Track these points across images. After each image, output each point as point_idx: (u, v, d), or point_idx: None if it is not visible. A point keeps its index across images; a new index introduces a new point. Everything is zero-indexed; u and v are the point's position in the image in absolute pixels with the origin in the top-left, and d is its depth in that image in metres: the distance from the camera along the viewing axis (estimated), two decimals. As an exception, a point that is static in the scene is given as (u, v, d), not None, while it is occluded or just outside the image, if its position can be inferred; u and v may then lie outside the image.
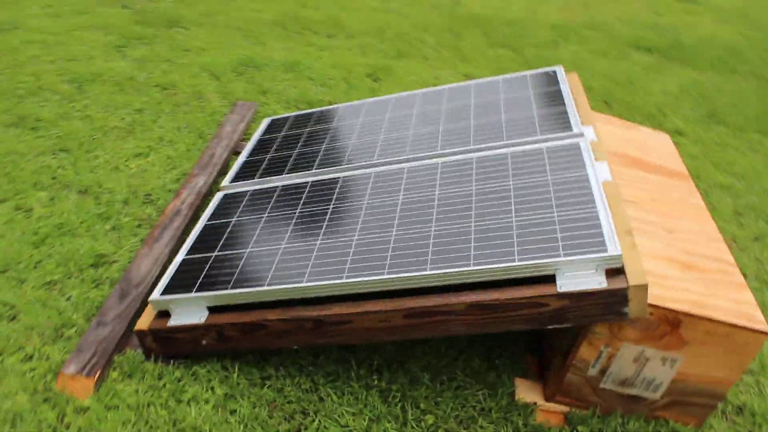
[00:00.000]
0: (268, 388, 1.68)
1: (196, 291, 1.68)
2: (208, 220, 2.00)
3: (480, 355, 1.84)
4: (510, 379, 1.77)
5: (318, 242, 1.72)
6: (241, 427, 1.56)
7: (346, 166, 2.07)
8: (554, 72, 2.31)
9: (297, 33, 3.98)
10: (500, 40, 4.35)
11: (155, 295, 1.71)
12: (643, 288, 1.39)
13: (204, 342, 1.68)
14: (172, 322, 1.69)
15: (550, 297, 1.45)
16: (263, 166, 2.24)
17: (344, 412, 1.63)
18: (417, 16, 4.59)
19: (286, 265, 1.67)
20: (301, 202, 1.93)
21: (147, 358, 1.72)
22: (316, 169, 2.10)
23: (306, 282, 1.58)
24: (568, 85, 2.23)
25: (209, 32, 3.75)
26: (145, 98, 2.87)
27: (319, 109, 2.58)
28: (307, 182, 2.03)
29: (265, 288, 1.60)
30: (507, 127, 2.03)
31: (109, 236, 2.11)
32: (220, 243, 1.85)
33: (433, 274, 1.49)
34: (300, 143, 2.33)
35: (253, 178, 2.17)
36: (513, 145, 1.95)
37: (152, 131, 2.64)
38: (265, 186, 2.09)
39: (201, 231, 1.95)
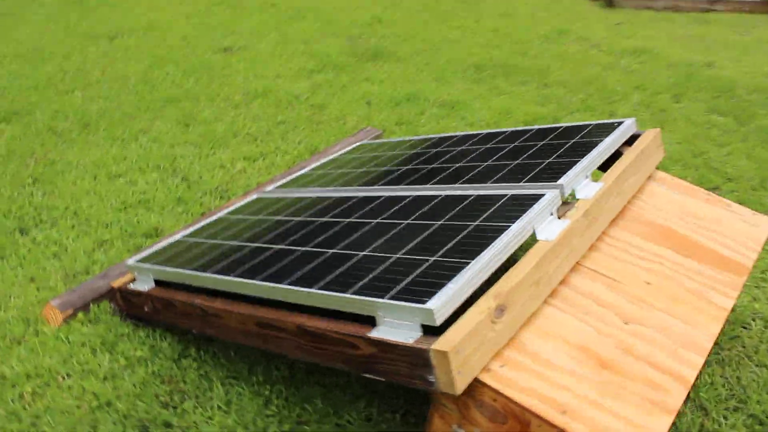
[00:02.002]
0: (176, 365, 1.79)
1: (151, 263, 1.88)
2: (226, 213, 2.19)
3: (389, 408, 1.67)
4: (400, 439, 1.58)
5: (255, 244, 1.78)
6: (130, 386, 1.70)
7: (347, 188, 2.07)
8: (619, 124, 1.95)
9: (490, 77, 3.97)
10: (729, 107, 3.69)
11: (130, 260, 1.96)
12: (444, 355, 1.15)
13: (146, 309, 1.88)
14: (131, 285, 1.92)
15: (361, 339, 1.29)
16: (310, 179, 2.35)
17: (217, 405, 1.65)
18: (643, 75, 4.16)
19: (218, 257, 1.77)
20: (290, 212, 2.00)
21: (115, 313, 1.98)
22: (331, 186, 2.15)
23: (205, 273, 1.66)
24: (621, 138, 1.88)
25: (402, 68, 3.99)
26: (292, 114, 3.22)
27: (400, 138, 2.59)
28: (311, 197, 2.09)
29: (176, 270, 1.73)
30: (505, 172, 1.81)
31: (175, 216, 2.45)
32: (210, 232, 2.03)
33: (278, 287, 1.45)
34: (353, 165, 2.38)
35: (292, 188, 2.30)
36: (489, 188, 1.73)
37: (275, 141, 2.96)
38: (288, 195, 2.21)
39: (210, 220, 2.15)
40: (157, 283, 1.88)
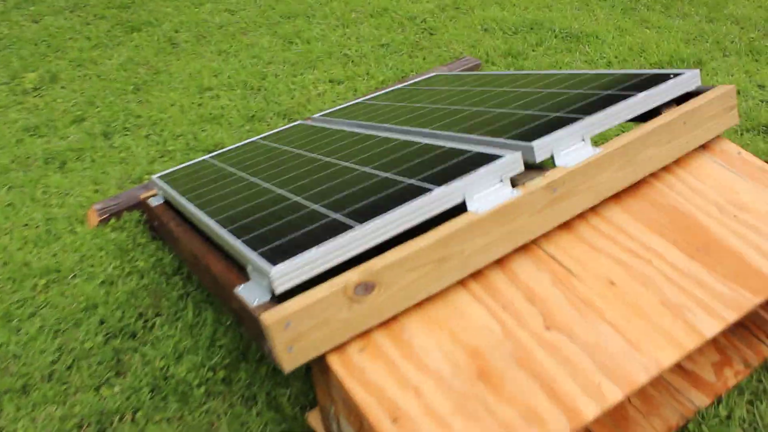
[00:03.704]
0: (167, 281, 1.86)
1: (164, 181, 1.95)
2: (261, 139, 2.17)
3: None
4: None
5: (240, 174, 1.75)
6: (120, 293, 1.82)
7: (372, 124, 1.93)
8: (674, 75, 1.52)
9: (645, 8, 3.35)
10: None
11: (155, 175, 2.05)
12: (268, 328, 1.04)
13: (155, 224, 1.96)
14: (150, 200, 2.01)
15: (231, 291, 1.21)
16: (355, 111, 2.23)
17: (180, 327, 1.70)
18: None
19: (208, 183, 1.77)
20: (302, 143, 1.92)
21: (141, 223, 2.11)
22: (365, 121, 2.01)
23: (182, 197, 1.68)
24: (666, 94, 1.47)
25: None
26: (399, 37, 3.05)
27: (478, 72, 2.31)
28: (336, 130, 1.98)
29: (171, 191, 1.77)
30: (498, 125, 1.53)
31: (240, 135, 2.50)
32: (229, 156, 2.03)
33: (205, 221, 1.42)
34: (401, 98, 2.20)
35: (334, 118, 2.20)
36: (462, 142, 1.49)
37: (367, 65, 2.84)
38: (323, 125, 2.12)
39: (242, 144, 2.15)
40: (166, 202, 1.95)
